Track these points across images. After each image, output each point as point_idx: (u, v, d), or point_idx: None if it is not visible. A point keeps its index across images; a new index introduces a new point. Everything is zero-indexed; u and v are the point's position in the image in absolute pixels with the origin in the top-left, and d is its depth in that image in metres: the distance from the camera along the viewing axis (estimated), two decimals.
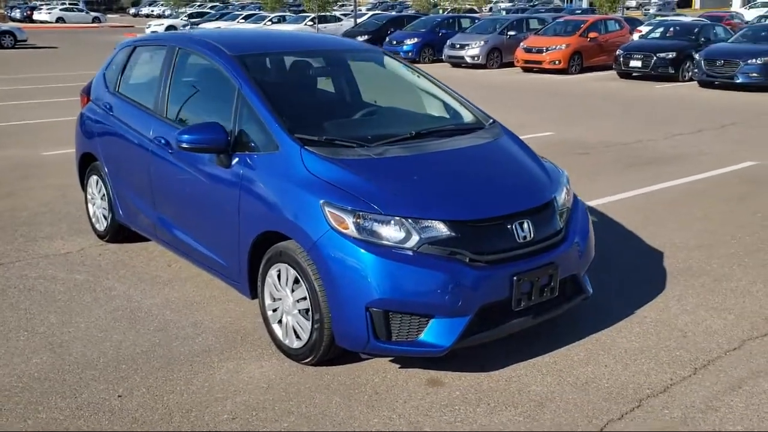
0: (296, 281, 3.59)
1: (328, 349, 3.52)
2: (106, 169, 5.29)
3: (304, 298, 3.54)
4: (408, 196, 3.45)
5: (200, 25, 35.12)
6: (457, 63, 21.96)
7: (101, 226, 5.58)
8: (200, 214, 4.23)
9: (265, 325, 3.91)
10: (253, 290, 3.97)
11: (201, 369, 3.66)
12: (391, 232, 3.32)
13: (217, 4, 58.87)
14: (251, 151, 3.87)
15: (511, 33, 22.26)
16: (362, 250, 3.29)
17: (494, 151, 4.08)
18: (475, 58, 21.37)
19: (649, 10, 51.53)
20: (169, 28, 37.62)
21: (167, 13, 56.07)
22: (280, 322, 3.77)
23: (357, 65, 4.94)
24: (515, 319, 3.52)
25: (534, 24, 23.35)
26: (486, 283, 3.36)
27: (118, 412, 3.27)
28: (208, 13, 41.14)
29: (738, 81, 15.90)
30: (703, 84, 16.82)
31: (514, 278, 3.43)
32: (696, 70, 16.88)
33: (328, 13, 32.15)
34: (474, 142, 4.08)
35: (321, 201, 3.42)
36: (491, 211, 3.50)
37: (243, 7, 51.53)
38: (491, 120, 4.47)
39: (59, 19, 52.58)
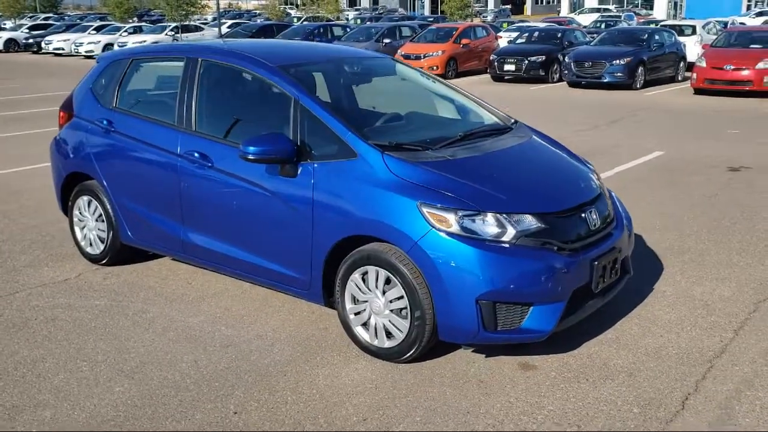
0: (387, 282, 3.69)
1: (428, 344, 3.65)
2: (107, 188, 5.04)
3: (400, 297, 3.65)
4: (497, 192, 3.66)
5: (47, 37, 32.93)
6: None
7: (96, 249, 5.29)
8: (256, 226, 4.18)
9: (345, 329, 3.96)
10: (327, 297, 4.00)
11: (298, 378, 3.66)
12: (490, 228, 3.52)
13: (51, 15, 55.24)
14: (321, 160, 3.91)
15: (387, 41, 22.87)
16: (468, 246, 3.46)
17: (538, 148, 4.39)
18: None
19: (486, 17, 54.51)
20: (9, 41, 35.00)
21: (7, 25, 51.90)
22: (364, 325, 3.85)
23: (376, 72, 5.07)
24: (594, 299, 3.83)
25: (406, 31, 24.12)
26: (575, 269, 3.64)
27: (245, 427, 3.23)
28: (53, 24, 38.53)
29: (605, 80, 17.36)
30: (572, 84, 18.24)
31: (595, 263, 3.74)
32: (566, 71, 18.25)
33: (190, 22, 31.31)
34: (518, 141, 4.36)
35: (417, 202, 3.55)
36: (569, 202, 3.80)
37: (81, 18, 48.80)
38: (513, 120, 4.78)
39: None
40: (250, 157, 3.89)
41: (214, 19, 40.62)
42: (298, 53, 4.87)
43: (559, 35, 20.88)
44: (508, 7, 69.72)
